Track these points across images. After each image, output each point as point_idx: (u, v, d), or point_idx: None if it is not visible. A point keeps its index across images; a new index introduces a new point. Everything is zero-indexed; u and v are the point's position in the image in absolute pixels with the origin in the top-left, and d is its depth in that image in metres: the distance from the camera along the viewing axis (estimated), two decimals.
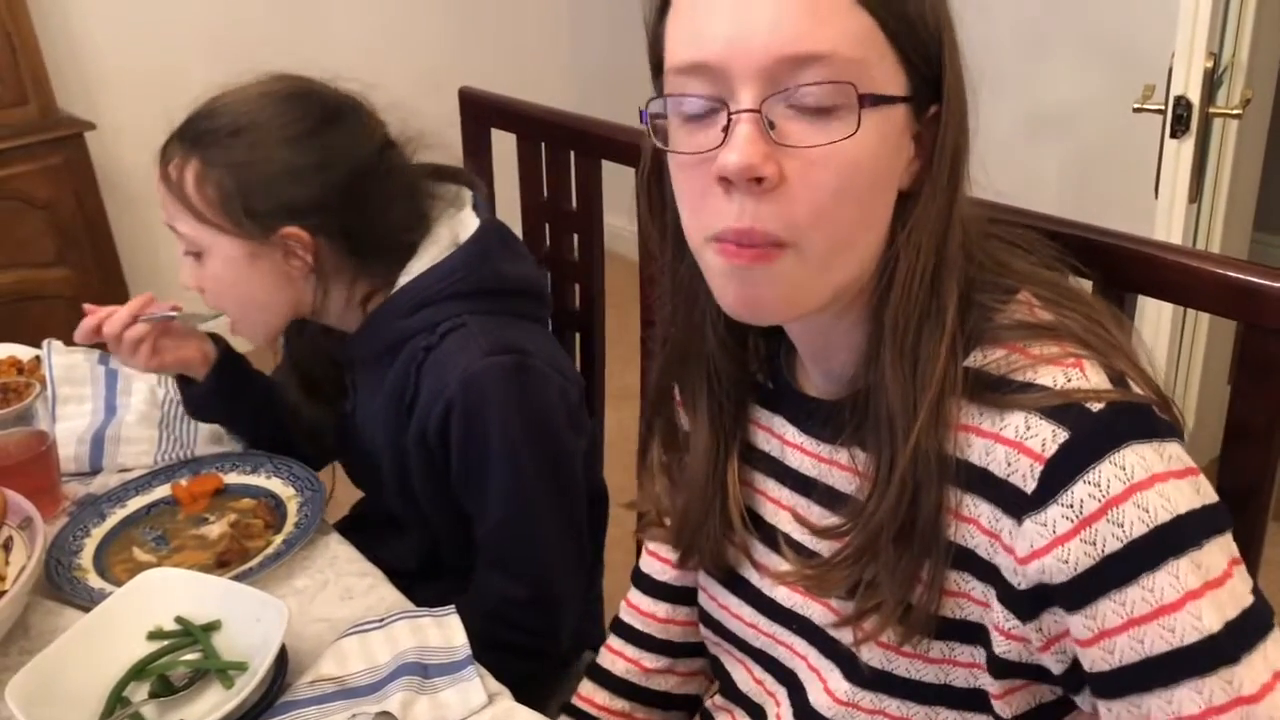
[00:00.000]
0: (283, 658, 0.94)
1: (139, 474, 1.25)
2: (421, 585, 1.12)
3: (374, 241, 1.12)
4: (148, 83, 2.80)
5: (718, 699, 0.95)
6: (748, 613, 0.86)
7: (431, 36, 3.31)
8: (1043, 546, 0.64)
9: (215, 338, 1.27)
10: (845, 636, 0.76)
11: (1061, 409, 0.64)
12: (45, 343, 1.41)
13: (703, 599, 0.92)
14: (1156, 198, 1.60)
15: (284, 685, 0.92)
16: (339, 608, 1.05)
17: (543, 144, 1.34)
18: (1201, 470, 0.65)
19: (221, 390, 1.26)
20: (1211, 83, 1.51)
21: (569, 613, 1.18)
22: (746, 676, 0.89)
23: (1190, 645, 0.61)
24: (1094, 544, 0.62)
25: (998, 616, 0.68)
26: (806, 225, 0.64)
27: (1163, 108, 1.52)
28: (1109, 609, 0.63)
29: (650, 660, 1.02)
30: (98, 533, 1.16)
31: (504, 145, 1.41)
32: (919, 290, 0.67)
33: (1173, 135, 1.53)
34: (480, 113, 1.42)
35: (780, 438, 0.82)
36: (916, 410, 0.67)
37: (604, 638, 1.06)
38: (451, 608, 0.99)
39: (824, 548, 0.76)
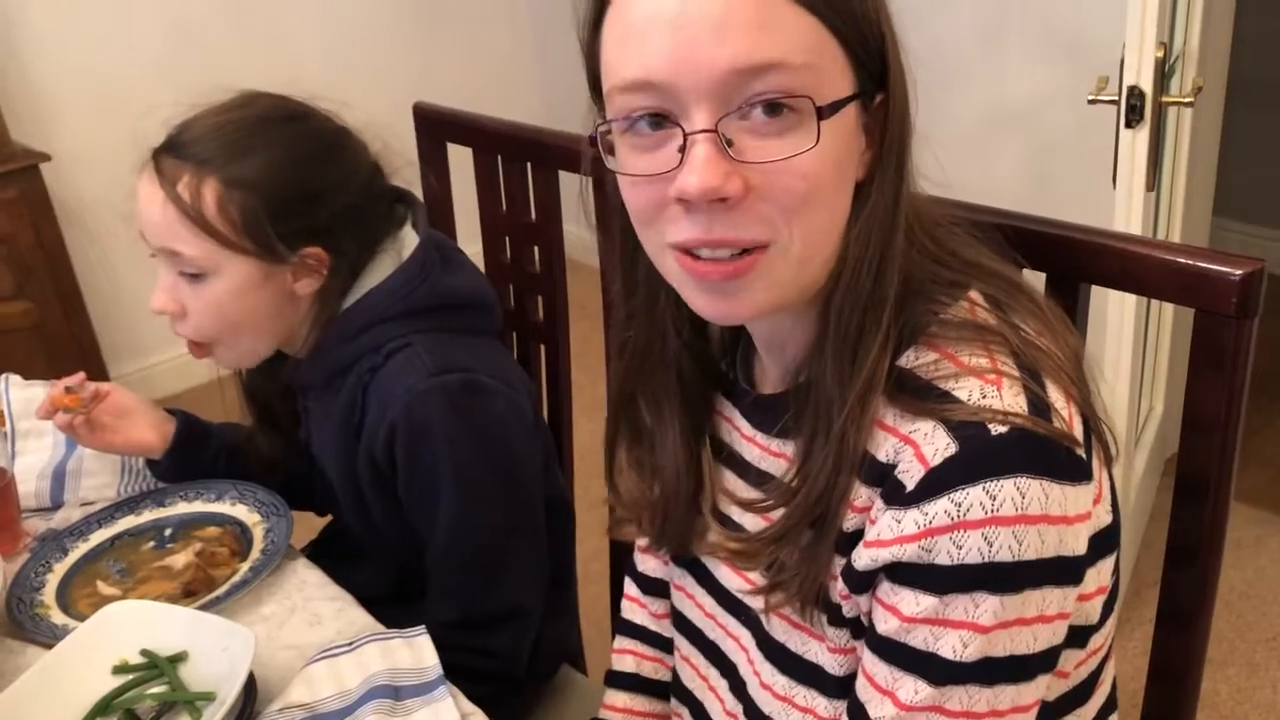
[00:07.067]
0: (251, 686, 0.92)
1: (101, 507, 1.23)
2: (393, 610, 1.10)
3: (365, 259, 1.12)
4: (103, 112, 2.77)
5: (672, 702, 0.96)
6: (709, 603, 0.87)
7: (392, 54, 3.29)
8: (887, 540, 0.65)
9: (176, 411, 1.26)
10: (756, 604, 0.77)
11: (964, 425, 0.63)
12: (3, 377, 1.38)
13: (673, 592, 0.92)
14: (1115, 188, 1.61)
15: (253, 714, 0.91)
16: (308, 633, 1.04)
17: (499, 157, 1.33)
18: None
19: (186, 464, 1.25)
20: (1163, 72, 1.52)
21: (529, 629, 1.16)
22: (692, 673, 0.90)
23: (940, 657, 0.64)
24: (929, 551, 0.63)
25: (841, 586, 0.70)
26: (783, 225, 0.64)
27: (1117, 98, 1.53)
28: (908, 597, 0.65)
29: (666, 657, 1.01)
30: (60, 568, 1.14)
31: (462, 159, 1.40)
32: (865, 281, 0.67)
33: (1128, 125, 1.54)
34: (435, 127, 1.41)
35: (738, 430, 0.82)
36: (846, 402, 0.67)
37: (580, 649, 1.05)
38: (421, 628, 0.98)
39: (748, 521, 0.77)
